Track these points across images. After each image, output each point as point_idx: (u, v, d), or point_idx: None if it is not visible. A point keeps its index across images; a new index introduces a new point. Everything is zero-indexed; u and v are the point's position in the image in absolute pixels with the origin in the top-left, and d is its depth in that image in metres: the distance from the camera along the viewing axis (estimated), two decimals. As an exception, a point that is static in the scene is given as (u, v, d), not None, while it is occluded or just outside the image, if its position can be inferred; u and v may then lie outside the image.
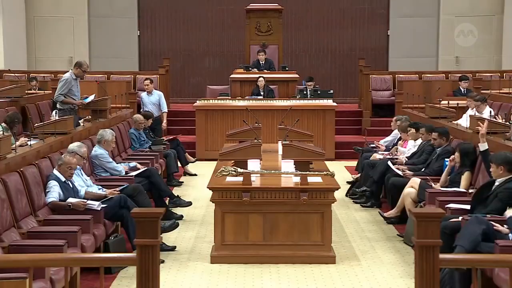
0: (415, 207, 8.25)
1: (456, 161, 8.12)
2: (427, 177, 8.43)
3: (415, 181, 8.41)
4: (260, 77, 14.82)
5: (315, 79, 15.52)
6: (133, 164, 9.49)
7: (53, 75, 16.70)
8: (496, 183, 6.65)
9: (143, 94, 13.66)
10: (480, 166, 7.88)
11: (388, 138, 11.20)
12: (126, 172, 9.14)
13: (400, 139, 10.58)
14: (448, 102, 11.70)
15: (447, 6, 19.74)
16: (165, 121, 13.58)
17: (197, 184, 11.39)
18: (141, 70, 19.53)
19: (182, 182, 11.62)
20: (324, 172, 7.40)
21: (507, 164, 6.62)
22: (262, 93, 14.69)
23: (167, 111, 13.74)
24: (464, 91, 14.81)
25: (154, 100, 13.48)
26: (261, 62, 15.91)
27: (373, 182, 9.65)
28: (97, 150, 8.95)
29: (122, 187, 7.90)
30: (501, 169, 6.62)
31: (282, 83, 15.47)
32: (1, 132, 8.41)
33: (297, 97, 14.68)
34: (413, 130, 9.92)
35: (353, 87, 19.29)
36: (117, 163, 9.28)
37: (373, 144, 11.29)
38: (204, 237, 8.21)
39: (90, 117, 11.18)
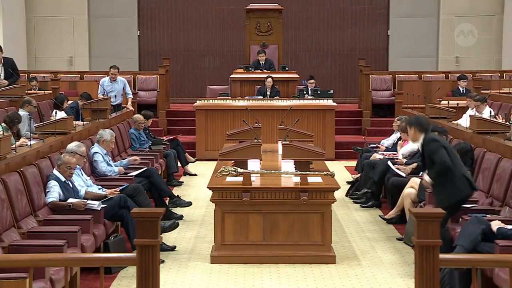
0: (414, 207, 8.25)
1: None
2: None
3: (415, 181, 8.41)
4: (268, 77, 14.85)
5: (315, 79, 15.54)
6: (125, 161, 9.41)
7: (53, 75, 16.70)
8: (419, 147, 6.87)
9: (105, 81, 13.29)
10: (480, 166, 7.89)
11: (390, 140, 11.16)
12: (125, 173, 9.12)
13: (400, 139, 10.57)
14: (448, 102, 11.70)
15: (447, 6, 19.74)
16: (130, 104, 13.42)
17: (197, 184, 11.39)
18: (141, 70, 19.53)
19: (182, 182, 11.63)
20: (324, 172, 7.40)
21: (418, 124, 6.82)
22: (268, 93, 14.73)
23: (132, 97, 13.62)
24: (463, 90, 14.82)
25: (118, 87, 13.22)
26: (261, 62, 15.93)
27: (373, 183, 9.66)
28: (93, 149, 8.89)
29: (122, 187, 7.90)
30: (414, 130, 6.82)
31: (282, 83, 15.47)
32: (1, 132, 8.40)
33: (303, 95, 14.74)
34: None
35: (353, 87, 19.29)
36: (114, 164, 9.22)
37: (374, 144, 11.28)
38: (204, 237, 8.21)
39: (89, 117, 11.20)
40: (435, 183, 6.61)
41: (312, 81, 15.17)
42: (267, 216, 7.19)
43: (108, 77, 13.32)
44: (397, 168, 9.22)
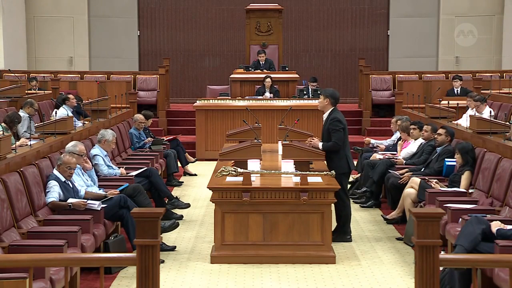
0: (414, 207, 8.24)
1: (458, 162, 8.13)
2: (426, 178, 8.42)
3: (415, 181, 8.40)
4: (267, 77, 14.87)
5: (317, 82, 15.54)
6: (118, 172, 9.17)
7: (53, 75, 16.70)
8: (324, 116, 8.10)
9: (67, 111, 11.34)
10: (480, 166, 7.89)
11: (390, 141, 11.14)
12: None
13: (400, 139, 10.56)
14: (448, 102, 11.69)
15: (447, 6, 19.75)
16: None
17: (197, 184, 11.39)
18: (141, 70, 19.53)
19: (182, 182, 11.62)
20: (324, 172, 7.40)
21: (332, 97, 8.04)
22: (267, 93, 14.73)
23: None
24: (457, 91, 14.80)
25: None
26: (261, 62, 15.93)
27: (373, 183, 9.65)
28: (93, 151, 8.85)
29: (122, 187, 7.89)
30: (327, 101, 8.05)
31: (282, 83, 15.47)
32: (1, 132, 8.40)
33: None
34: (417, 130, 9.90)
35: (353, 87, 19.29)
36: (116, 166, 9.19)
37: (373, 144, 11.26)
38: (204, 237, 8.21)
39: (89, 116, 11.19)
40: (326, 154, 7.84)
41: (315, 83, 15.17)
42: (267, 216, 7.19)
43: None
44: (397, 170, 9.22)
